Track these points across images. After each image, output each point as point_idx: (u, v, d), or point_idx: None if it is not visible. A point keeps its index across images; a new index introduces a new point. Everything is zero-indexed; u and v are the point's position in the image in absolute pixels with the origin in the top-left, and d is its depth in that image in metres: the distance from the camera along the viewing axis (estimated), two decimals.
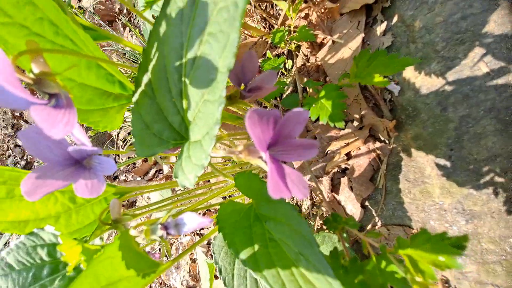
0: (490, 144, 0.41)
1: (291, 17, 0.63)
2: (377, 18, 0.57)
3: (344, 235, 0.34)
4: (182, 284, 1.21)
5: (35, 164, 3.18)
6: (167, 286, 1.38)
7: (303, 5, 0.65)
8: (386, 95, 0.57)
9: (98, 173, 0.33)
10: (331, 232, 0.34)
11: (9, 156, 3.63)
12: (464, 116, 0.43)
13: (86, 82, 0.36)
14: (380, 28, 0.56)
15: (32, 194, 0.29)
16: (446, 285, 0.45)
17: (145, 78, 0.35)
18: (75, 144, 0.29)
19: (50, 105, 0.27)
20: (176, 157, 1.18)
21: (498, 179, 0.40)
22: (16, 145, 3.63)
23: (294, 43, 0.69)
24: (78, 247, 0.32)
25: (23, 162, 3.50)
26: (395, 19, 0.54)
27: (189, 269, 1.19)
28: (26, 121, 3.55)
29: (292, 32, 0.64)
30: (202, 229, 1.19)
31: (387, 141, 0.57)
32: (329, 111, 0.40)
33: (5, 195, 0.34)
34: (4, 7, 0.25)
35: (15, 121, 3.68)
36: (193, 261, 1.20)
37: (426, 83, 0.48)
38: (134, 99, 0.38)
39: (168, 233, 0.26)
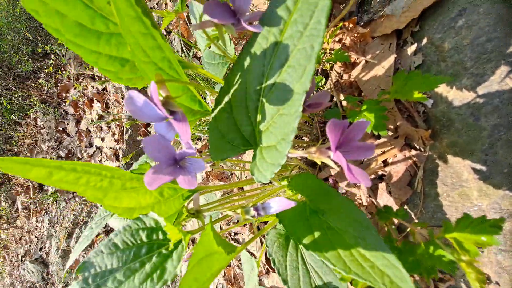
0: None
1: (327, 42, 0.72)
2: (407, 40, 0.64)
3: (393, 227, 0.40)
4: None
5: None
6: None
7: (338, 31, 0.74)
8: (420, 107, 0.63)
9: (191, 171, 0.42)
10: (383, 222, 0.40)
11: None
12: (496, 124, 0.48)
13: (182, 102, 0.47)
14: (411, 49, 0.63)
15: (151, 184, 0.39)
16: (488, 281, 0.48)
17: (226, 99, 0.45)
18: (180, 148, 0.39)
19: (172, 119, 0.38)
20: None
21: None
22: (58, 156, 3.97)
23: (330, 64, 0.78)
24: (176, 229, 0.41)
25: None
26: (424, 41, 0.61)
27: (224, 273, 1.24)
28: (68, 135, 3.89)
29: (328, 54, 0.73)
30: (236, 234, 1.26)
31: (422, 149, 0.63)
32: (372, 122, 0.47)
33: (120, 187, 0.44)
34: (146, 50, 0.37)
35: (58, 135, 4.05)
36: (227, 265, 1.26)
37: (458, 96, 0.54)
38: (213, 114, 0.48)
39: (258, 214, 0.34)
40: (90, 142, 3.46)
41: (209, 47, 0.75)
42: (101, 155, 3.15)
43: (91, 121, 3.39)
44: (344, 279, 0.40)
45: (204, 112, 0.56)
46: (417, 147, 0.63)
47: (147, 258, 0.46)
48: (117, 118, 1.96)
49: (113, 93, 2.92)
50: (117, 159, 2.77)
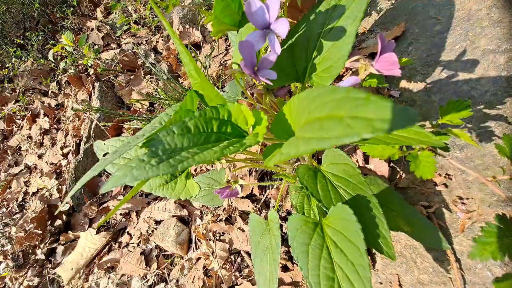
0: None
1: None
2: None
3: None
4: None
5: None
6: None
7: None
8: (391, 99, 0.92)
9: (264, 77, 0.56)
10: None
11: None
12: (441, 98, 0.78)
13: None
14: None
15: (243, 68, 0.51)
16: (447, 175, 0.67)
17: (289, 42, 0.64)
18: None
19: None
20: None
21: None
22: None
23: None
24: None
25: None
26: None
27: (203, 281, 1.09)
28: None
29: None
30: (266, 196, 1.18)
31: None
32: (376, 82, 0.71)
33: (205, 78, 0.53)
34: None
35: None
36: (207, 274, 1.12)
37: (415, 86, 0.85)
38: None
39: None
40: (16, 161, 2.91)
41: None
42: (30, 175, 2.65)
43: (28, 137, 2.96)
44: (383, 155, 0.54)
45: None
46: None
47: (215, 144, 0.51)
48: (89, 109, 1.79)
49: (72, 107, 2.72)
50: (58, 176, 2.37)
